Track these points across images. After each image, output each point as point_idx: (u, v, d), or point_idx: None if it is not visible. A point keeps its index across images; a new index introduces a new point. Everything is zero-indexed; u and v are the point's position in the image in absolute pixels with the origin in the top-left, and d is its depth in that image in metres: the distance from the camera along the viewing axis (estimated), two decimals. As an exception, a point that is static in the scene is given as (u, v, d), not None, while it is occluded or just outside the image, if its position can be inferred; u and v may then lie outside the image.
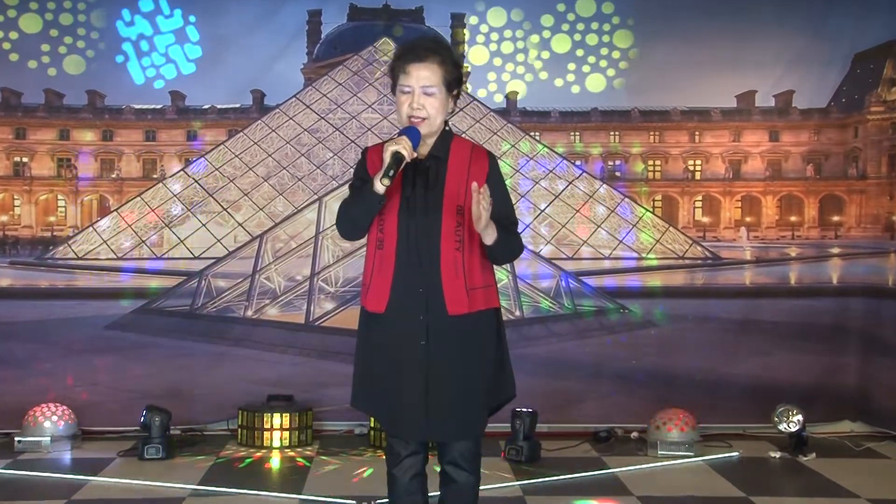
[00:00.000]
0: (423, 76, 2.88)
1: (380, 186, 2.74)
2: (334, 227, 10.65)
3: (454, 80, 2.95)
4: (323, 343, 8.25)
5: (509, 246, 2.96)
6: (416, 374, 2.87)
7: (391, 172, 2.72)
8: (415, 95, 2.88)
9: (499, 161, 3.10)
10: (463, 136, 3.08)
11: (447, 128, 3.02)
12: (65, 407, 6.03)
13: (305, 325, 8.68)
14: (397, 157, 2.74)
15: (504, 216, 2.97)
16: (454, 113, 3.05)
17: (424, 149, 2.93)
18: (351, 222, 2.90)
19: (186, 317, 9.89)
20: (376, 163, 2.91)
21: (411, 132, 2.83)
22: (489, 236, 2.84)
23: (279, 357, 8.05)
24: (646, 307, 11.60)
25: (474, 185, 2.74)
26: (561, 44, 8.68)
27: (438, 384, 2.87)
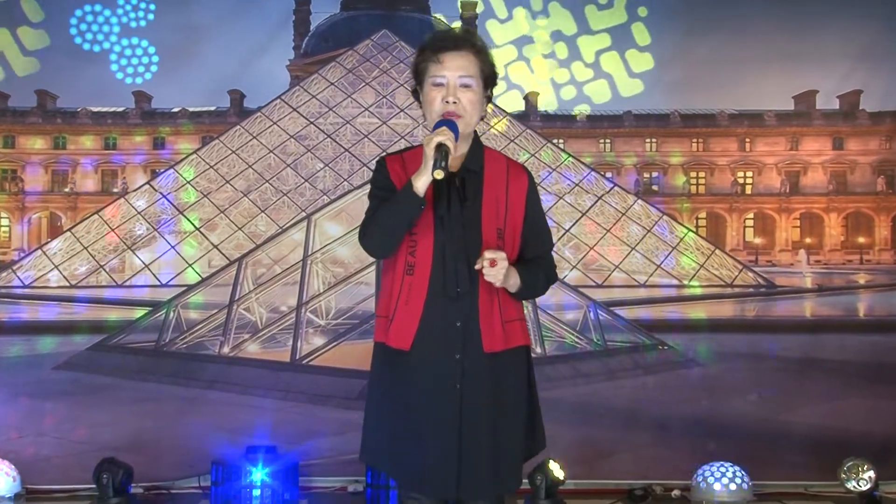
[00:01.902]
0: (460, 65, 2.86)
1: (422, 186, 2.73)
2: (325, 249, 10.66)
3: (490, 76, 2.96)
4: (312, 385, 8.24)
5: (534, 288, 2.95)
6: (450, 422, 2.84)
7: (442, 164, 2.71)
8: (449, 87, 2.86)
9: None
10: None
11: (477, 136, 3.01)
12: (7, 462, 6.00)
13: (291, 364, 8.69)
14: (444, 149, 2.73)
15: (540, 242, 2.97)
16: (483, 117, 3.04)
17: (457, 160, 2.91)
18: (385, 233, 2.83)
19: (152, 354, 9.92)
20: (399, 173, 2.88)
21: (451, 124, 2.81)
22: (510, 288, 2.85)
23: (260, 402, 8.04)
24: (688, 343, 11.58)
25: (485, 266, 2.76)
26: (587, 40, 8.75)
27: (473, 434, 2.84)
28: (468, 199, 2.85)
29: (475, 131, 2.95)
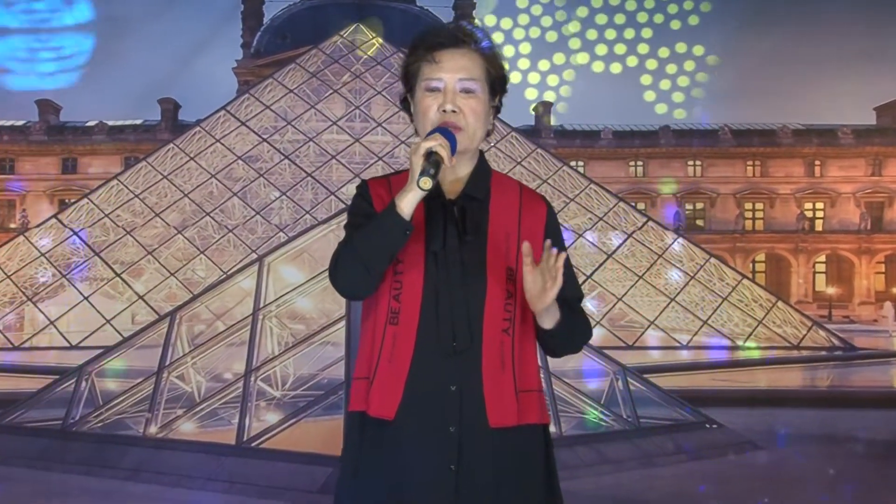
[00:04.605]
0: (461, 66, 2.88)
1: (408, 205, 2.70)
2: (281, 301, 10.65)
3: (498, 81, 2.97)
4: (263, 474, 8.23)
5: (575, 332, 2.93)
6: None
7: (431, 171, 2.67)
8: (447, 93, 2.87)
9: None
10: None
11: (483, 157, 3.01)
12: None
13: (237, 448, 8.66)
14: (434, 157, 2.71)
15: (566, 288, 2.90)
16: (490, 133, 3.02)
17: (457, 185, 2.92)
18: (360, 265, 2.78)
19: (58, 436, 9.87)
20: (385, 199, 2.86)
21: (447, 133, 2.78)
22: (550, 318, 2.84)
23: (196, 496, 8.02)
24: (744, 420, 11.59)
25: (526, 245, 2.70)
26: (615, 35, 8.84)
27: None
28: (469, 232, 2.84)
29: (480, 151, 2.96)
